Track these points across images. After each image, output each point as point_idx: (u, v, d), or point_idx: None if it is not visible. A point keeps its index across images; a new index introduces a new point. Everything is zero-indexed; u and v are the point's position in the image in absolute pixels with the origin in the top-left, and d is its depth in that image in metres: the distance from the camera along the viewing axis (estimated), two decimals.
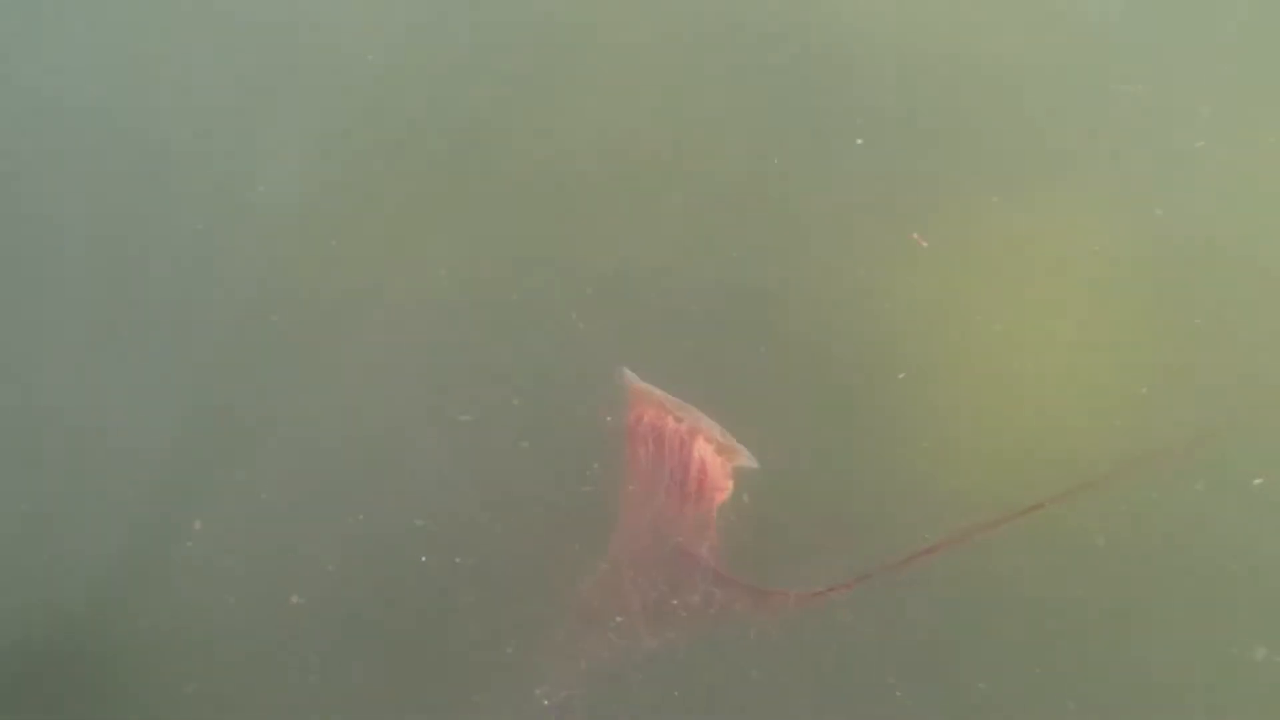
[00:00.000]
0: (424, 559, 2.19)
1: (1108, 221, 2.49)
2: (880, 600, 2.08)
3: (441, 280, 2.50)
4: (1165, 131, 2.60)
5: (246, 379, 2.42)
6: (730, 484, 2.18)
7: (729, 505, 2.17)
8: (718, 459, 2.19)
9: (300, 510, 2.28)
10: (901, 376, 2.30)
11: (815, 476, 2.24)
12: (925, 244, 2.45)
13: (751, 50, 2.80)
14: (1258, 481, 2.15)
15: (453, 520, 2.21)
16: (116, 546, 2.24)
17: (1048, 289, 2.45)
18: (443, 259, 2.52)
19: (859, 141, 2.61)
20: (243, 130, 2.73)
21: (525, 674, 2.07)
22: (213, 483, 2.29)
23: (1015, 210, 2.52)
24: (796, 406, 2.32)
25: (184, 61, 2.84)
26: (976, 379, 2.34)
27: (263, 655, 2.14)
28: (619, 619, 2.09)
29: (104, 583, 2.22)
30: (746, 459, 2.19)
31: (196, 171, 2.68)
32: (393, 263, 2.54)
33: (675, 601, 2.08)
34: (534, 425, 2.29)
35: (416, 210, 2.61)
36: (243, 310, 2.49)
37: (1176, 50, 2.73)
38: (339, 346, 2.44)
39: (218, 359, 2.44)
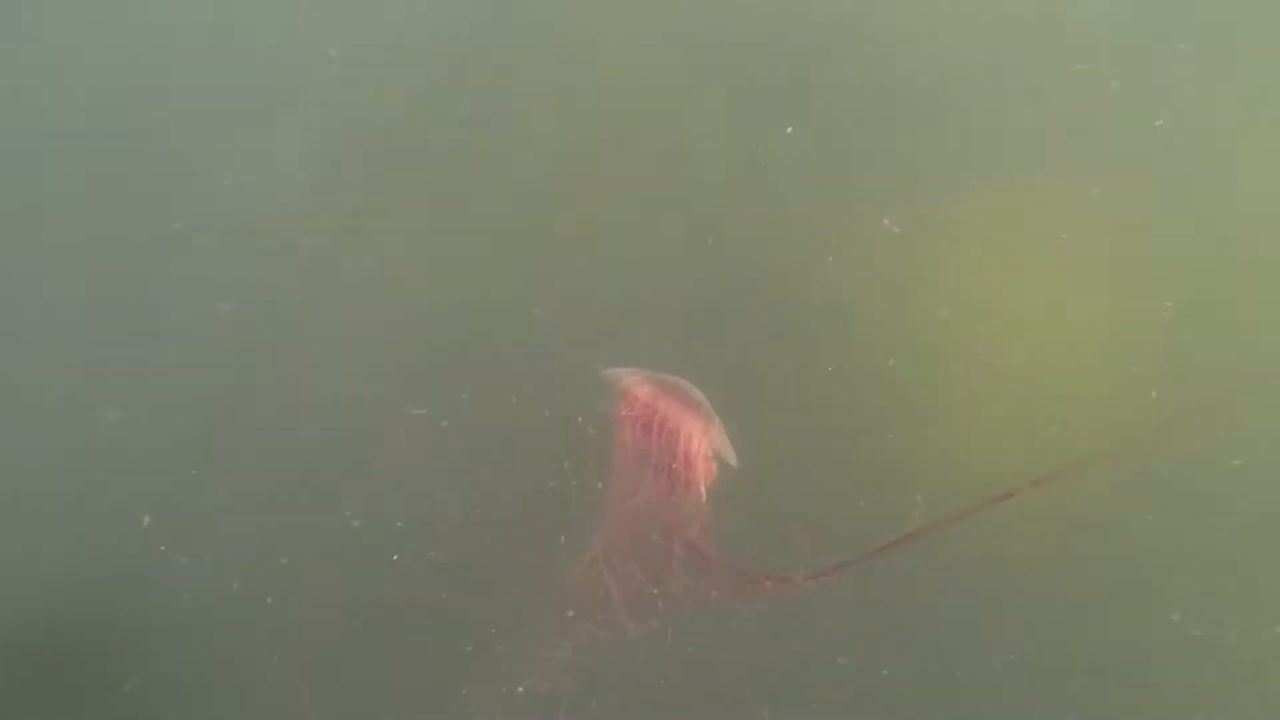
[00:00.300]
0: (396, 557, 2.17)
1: (1080, 208, 2.50)
2: (860, 587, 2.10)
3: (416, 277, 2.47)
4: (1136, 115, 2.59)
5: (210, 374, 2.39)
6: (715, 466, 2.17)
7: (713, 492, 2.16)
8: (705, 440, 2.17)
9: (267, 508, 2.25)
10: (891, 364, 2.31)
11: (795, 465, 2.24)
12: (897, 230, 2.44)
13: (723, 42, 2.77)
14: (1237, 462, 2.19)
15: (438, 518, 2.19)
16: (70, 543, 2.22)
17: (1020, 277, 2.46)
18: (425, 257, 2.50)
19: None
20: (215, 127, 2.67)
21: (511, 666, 2.07)
22: (171, 480, 2.26)
23: (988, 197, 2.53)
24: (776, 397, 2.32)
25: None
26: (950, 367, 2.35)
27: (242, 655, 2.13)
28: (605, 609, 2.08)
29: (59, 580, 2.20)
30: (730, 453, 2.18)
31: (165, 169, 2.61)
32: (366, 261, 2.50)
33: (660, 589, 2.08)
34: (520, 422, 2.28)
35: (396, 208, 2.58)
36: (207, 306, 2.44)
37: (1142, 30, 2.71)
38: (315, 345, 2.42)
39: (184, 354, 2.41)
